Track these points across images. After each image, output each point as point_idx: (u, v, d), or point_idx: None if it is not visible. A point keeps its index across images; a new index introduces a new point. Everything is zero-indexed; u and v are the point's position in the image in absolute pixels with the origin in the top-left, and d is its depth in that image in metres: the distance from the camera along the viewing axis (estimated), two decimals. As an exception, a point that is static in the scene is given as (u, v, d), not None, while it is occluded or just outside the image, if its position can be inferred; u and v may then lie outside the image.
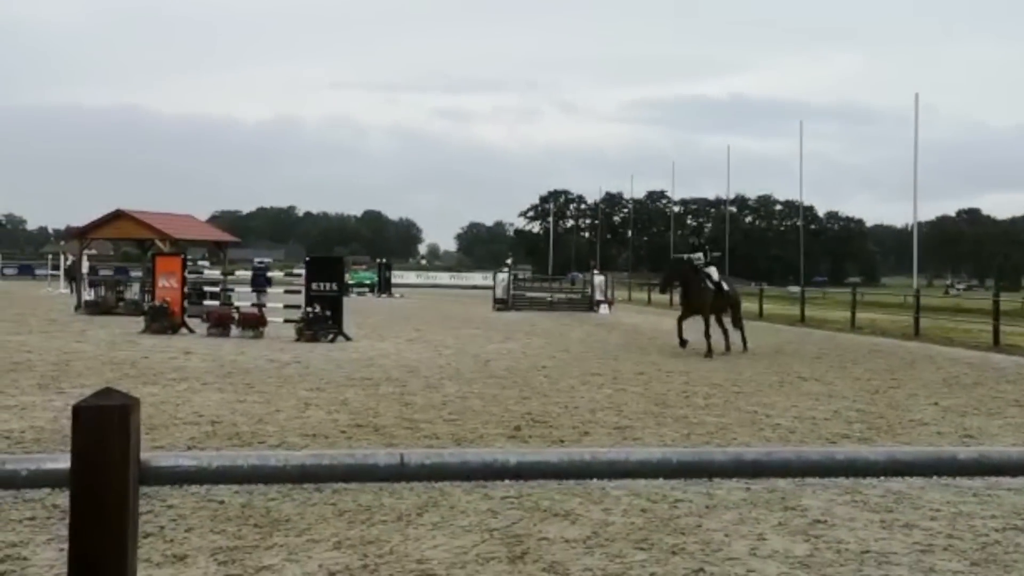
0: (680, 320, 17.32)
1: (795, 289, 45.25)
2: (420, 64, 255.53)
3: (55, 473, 1.73)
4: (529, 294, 38.05)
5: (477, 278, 69.34)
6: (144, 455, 1.74)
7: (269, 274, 21.38)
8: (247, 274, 23.58)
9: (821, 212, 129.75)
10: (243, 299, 20.96)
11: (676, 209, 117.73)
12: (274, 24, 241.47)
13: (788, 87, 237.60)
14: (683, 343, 16.71)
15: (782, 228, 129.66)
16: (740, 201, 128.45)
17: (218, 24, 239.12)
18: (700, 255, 18.19)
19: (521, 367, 14.11)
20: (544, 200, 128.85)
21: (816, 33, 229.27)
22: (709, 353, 16.22)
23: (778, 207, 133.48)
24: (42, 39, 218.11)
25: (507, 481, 6.13)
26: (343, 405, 9.92)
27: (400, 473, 1.80)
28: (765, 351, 17.93)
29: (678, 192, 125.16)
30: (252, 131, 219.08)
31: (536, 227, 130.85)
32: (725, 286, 17.96)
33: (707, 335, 16.60)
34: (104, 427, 1.66)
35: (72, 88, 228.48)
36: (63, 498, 5.65)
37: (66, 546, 4.76)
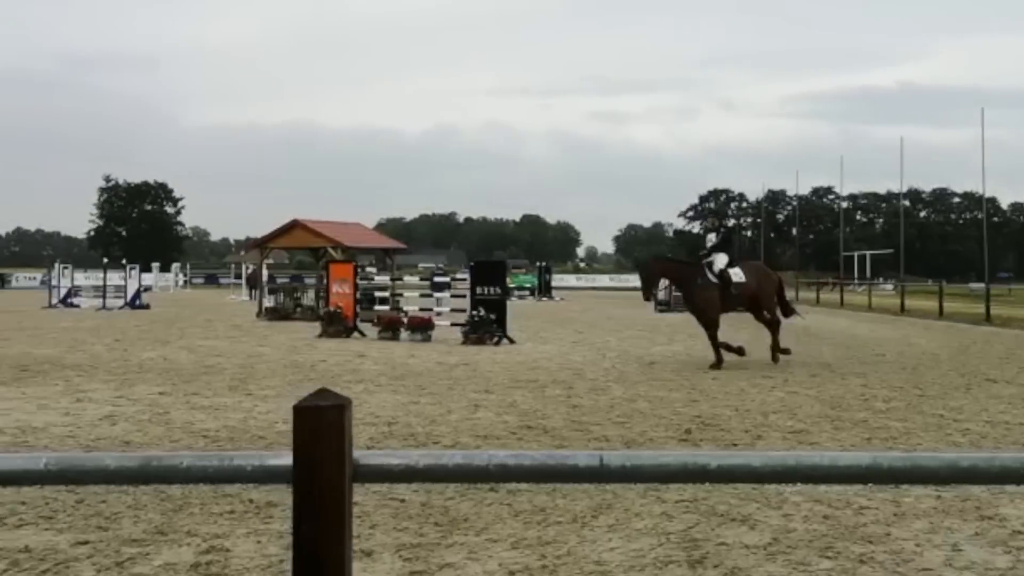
0: (712, 336, 14.22)
1: (977, 286, 42.61)
2: (574, 68, 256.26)
3: (278, 469, 1.84)
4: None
5: (637, 280, 68.80)
6: (356, 453, 1.83)
7: (444, 279, 21.91)
8: (414, 279, 24.28)
9: (1004, 204, 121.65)
10: (410, 304, 21.59)
11: (844, 205, 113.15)
12: (433, 36, 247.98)
13: (963, 73, 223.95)
14: (739, 350, 14.01)
15: (960, 222, 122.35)
16: (913, 195, 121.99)
17: (381, 41, 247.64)
18: (712, 236, 15.18)
19: (687, 369, 13.90)
20: (704, 199, 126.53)
21: (995, 14, 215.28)
22: (717, 364, 13.71)
23: (955, 200, 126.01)
24: (221, 62, 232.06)
25: (683, 485, 6.03)
26: (511, 407, 10.06)
27: (600, 474, 1.81)
28: (948, 352, 16.97)
29: (846, 187, 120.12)
30: (415, 141, 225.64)
31: (696, 227, 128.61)
32: (739, 276, 14.38)
33: (713, 340, 14.06)
34: (321, 425, 1.75)
35: (248, 107, 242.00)
36: (257, 493, 5.99)
37: (263, 539, 5.03)
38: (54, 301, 34.32)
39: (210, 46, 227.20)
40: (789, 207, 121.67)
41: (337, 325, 19.86)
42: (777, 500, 5.89)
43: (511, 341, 18.33)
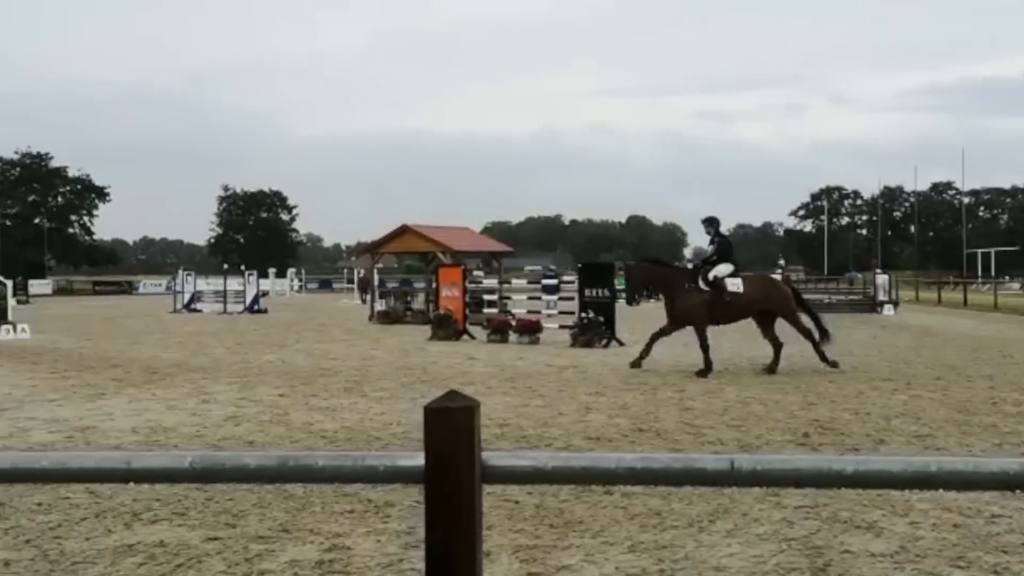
0: (655, 335, 14.05)
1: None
2: (679, 67, 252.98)
3: (409, 470, 1.88)
4: (804, 295, 36.52)
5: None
6: (484, 454, 1.85)
7: (552, 281, 21.98)
8: (522, 282, 24.41)
9: None
10: (518, 306, 21.69)
11: (966, 200, 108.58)
12: (537, 39, 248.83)
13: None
14: (638, 362, 13.76)
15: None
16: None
17: (485, 45, 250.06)
18: (711, 246, 14.37)
19: (802, 371, 13.55)
20: (815, 197, 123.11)
21: None
22: (704, 371, 13.20)
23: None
24: (331, 72, 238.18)
25: (801, 490, 5.89)
26: (623, 409, 10.00)
27: (729, 478, 1.79)
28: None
29: (968, 183, 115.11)
30: (520, 144, 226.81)
31: (808, 226, 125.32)
32: (737, 286, 13.76)
33: (704, 348, 13.48)
34: (452, 427, 1.78)
35: (358, 114, 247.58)
36: (375, 493, 6.11)
37: (382, 538, 5.13)
38: (178, 306, 35.82)
39: (320, 58, 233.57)
40: (907, 204, 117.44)
41: (447, 328, 20.12)
42: (903, 507, 5.68)
43: (620, 343, 18.22)
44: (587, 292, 19.08)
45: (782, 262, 50.08)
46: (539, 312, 20.45)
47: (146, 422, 9.29)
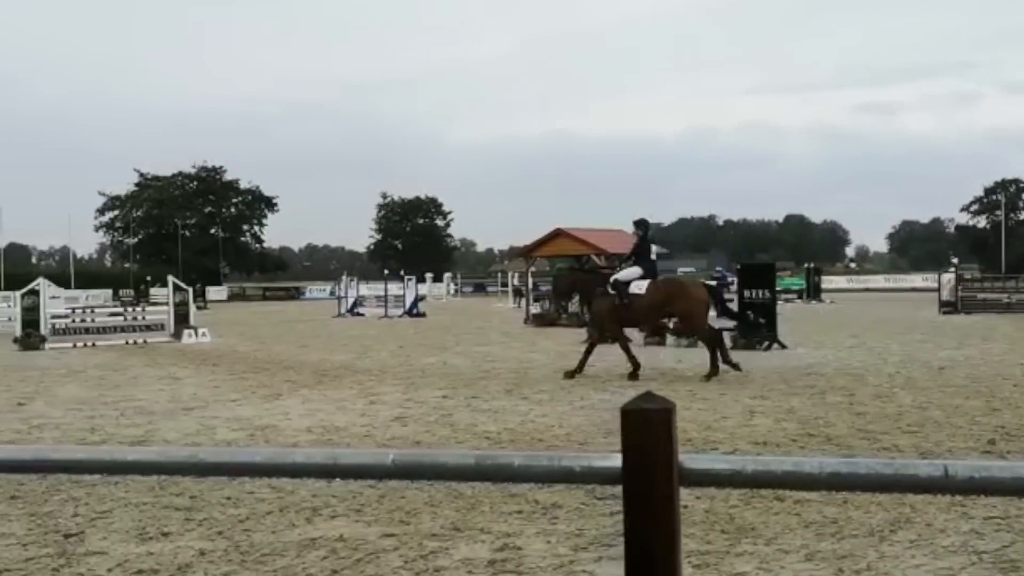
0: (590, 346, 13.73)
1: None
2: (835, 59, 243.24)
3: (606, 471, 1.88)
4: (980, 295, 34.46)
5: (916, 280, 64.52)
6: (681, 456, 1.84)
7: (711, 283, 21.60)
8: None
9: None
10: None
11: None
12: (686, 38, 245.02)
13: None
14: (574, 372, 13.34)
15: None
16: None
17: (633, 46, 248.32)
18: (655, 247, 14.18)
19: (983, 375, 12.78)
20: (990, 191, 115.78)
21: None
22: (633, 373, 13.10)
23: None
24: (482, 79, 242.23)
25: (990, 499, 5.55)
26: (789, 413, 9.71)
27: (943, 485, 1.70)
28: None
29: None
30: (670, 144, 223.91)
31: (982, 221, 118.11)
32: (639, 288, 13.34)
33: (624, 350, 13.51)
34: (649, 428, 1.78)
35: (508, 120, 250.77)
36: (542, 494, 6.16)
37: (552, 539, 5.16)
38: (342, 311, 37.25)
39: (471, 65, 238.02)
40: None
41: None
42: (1109, 521, 5.27)
43: (782, 346, 17.70)
44: (747, 293, 18.64)
45: (955, 260, 47.37)
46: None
47: (319, 422, 9.70)
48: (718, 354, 13.06)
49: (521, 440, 8.49)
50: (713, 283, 19.02)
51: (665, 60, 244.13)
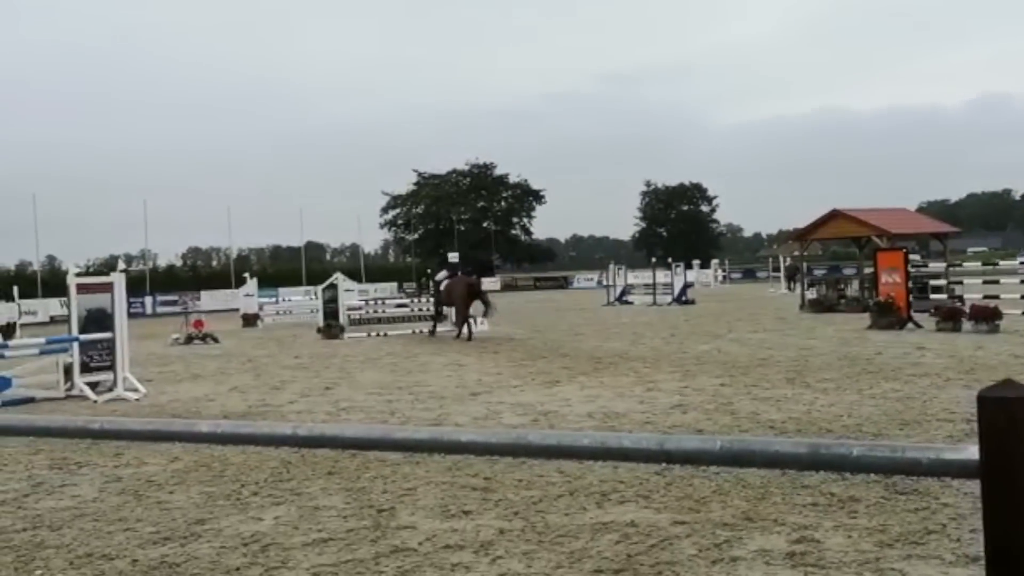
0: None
1: None
2: None
3: (958, 464, 1.76)
4: None
5: None
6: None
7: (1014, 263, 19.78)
8: (974, 265, 22.17)
9: None
10: (971, 291, 19.74)
11: None
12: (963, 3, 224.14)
13: None
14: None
15: None
16: None
17: (908, 17, 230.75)
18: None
19: None
20: None
21: None
22: (432, 332, 22.41)
23: None
24: (744, 60, 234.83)
25: None
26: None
27: None
28: None
29: None
30: (955, 115, 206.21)
31: None
32: (443, 284, 22.10)
33: (457, 325, 21.39)
34: (1011, 417, 1.64)
35: (774, 100, 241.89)
36: (837, 487, 5.90)
37: (853, 534, 4.93)
38: (611, 299, 37.60)
39: (732, 47, 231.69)
40: None
41: (889, 316, 18.86)
42: None
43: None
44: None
45: None
46: (997, 297, 18.40)
47: (599, 408, 9.86)
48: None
49: (808, 430, 8.17)
50: None
51: (945, 27, 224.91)
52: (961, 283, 21.23)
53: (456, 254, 24.29)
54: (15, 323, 30.42)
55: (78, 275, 13.59)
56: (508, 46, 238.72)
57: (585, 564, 4.72)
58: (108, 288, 13.12)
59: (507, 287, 70.42)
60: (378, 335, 23.29)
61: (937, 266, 22.71)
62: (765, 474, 6.21)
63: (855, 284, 27.18)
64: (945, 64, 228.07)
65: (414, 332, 23.50)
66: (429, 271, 29.24)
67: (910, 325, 18.78)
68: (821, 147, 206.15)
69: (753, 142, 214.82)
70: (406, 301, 29.07)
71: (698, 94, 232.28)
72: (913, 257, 22.52)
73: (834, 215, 27.66)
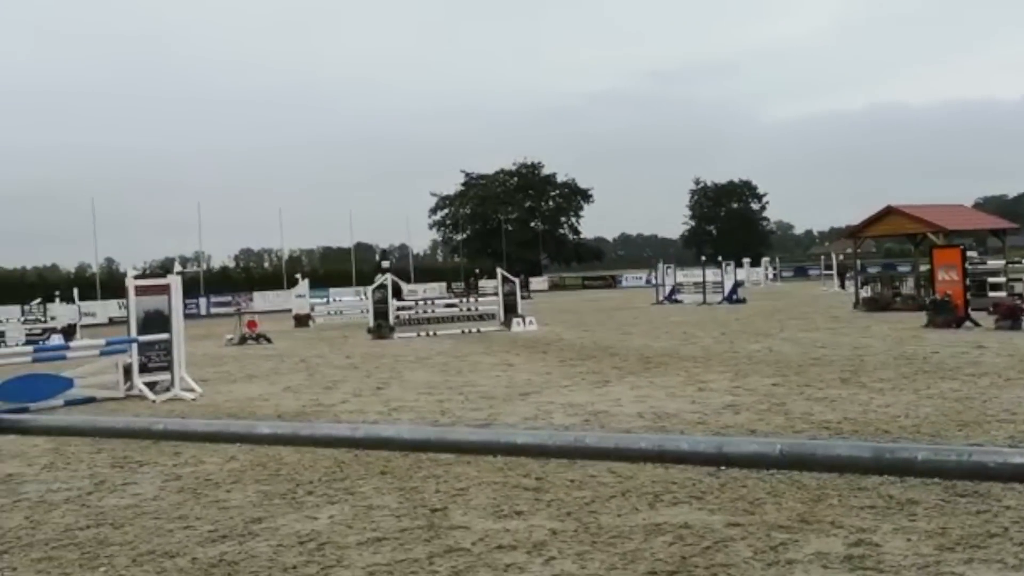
0: None
1: None
2: None
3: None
4: None
5: None
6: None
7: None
8: (1034, 261, 21.65)
9: None
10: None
11: None
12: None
13: None
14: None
15: None
16: None
17: (960, 10, 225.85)
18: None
19: None
20: None
21: None
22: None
23: None
24: (795, 56, 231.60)
25: None
26: None
27: None
28: None
29: None
30: (1013, 108, 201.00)
31: None
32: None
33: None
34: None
35: (825, 96, 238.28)
36: (895, 489, 5.78)
37: (912, 537, 4.83)
38: (660, 298, 37.36)
39: (783, 43, 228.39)
40: None
41: (946, 314, 18.50)
42: None
43: None
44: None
45: None
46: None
47: (650, 408, 9.80)
48: None
49: (864, 431, 8.02)
50: None
51: (998, 19, 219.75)
52: (1021, 280, 20.75)
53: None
54: (76, 325, 31.16)
55: (136, 277, 13.84)
56: (551, 45, 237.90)
57: (639, 566, 4.70)
58: (165, 290, 13.38)
59: (555, 287, 70.36)
60: (428, 335, 23.42)
61: (996, 263, 22.22)
62: (821, 475, 6.12)
63: (910, 282, 26.68)
64: (1001, 56, 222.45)
65: (463, 332, 23.57)
66: (477, 271, 29.40)
67: (968, 323, 18.39)
68: (873, 143, 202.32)
69: (804, 138, 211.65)
70: (455, 301, 29.18)
71: (747, 91, 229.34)
72: (970, 254, 22.06)
73: (889, 211, 27.19)
